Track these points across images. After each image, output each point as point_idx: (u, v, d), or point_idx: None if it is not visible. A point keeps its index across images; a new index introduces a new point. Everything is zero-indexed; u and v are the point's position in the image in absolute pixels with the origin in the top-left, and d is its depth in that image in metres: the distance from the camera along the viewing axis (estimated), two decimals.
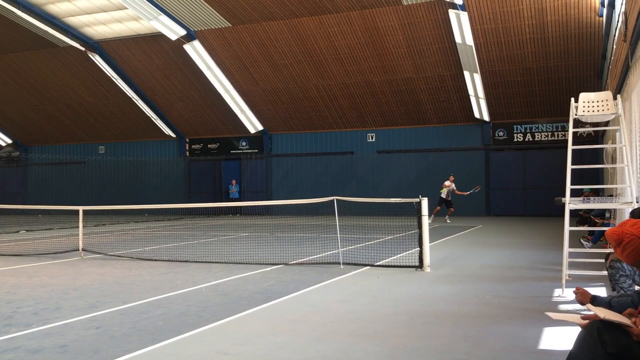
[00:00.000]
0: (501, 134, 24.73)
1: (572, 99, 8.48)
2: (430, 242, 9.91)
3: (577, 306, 6.30)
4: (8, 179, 34.44)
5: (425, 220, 9.60)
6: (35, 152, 33.46)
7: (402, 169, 26.20)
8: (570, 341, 3.50)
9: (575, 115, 8.33)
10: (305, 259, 10.93)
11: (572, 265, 8.38)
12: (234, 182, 28.74)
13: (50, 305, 7.07)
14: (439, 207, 21.32)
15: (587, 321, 3.35)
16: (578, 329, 3.43)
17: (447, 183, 21.65)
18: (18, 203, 30.19)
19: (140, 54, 25.92)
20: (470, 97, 23.67)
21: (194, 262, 10.92)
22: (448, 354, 4.92)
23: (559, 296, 7.39)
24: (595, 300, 4.02)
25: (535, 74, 22.30)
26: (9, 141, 33.92)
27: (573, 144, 8.27)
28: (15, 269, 10.39)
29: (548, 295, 7.50)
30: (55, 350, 5.08)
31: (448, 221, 21.07)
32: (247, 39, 23.60)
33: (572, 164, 8.13)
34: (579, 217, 14.07)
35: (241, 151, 29.34)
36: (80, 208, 12.75)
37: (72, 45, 25.48)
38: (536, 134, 24.25)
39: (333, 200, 10.73)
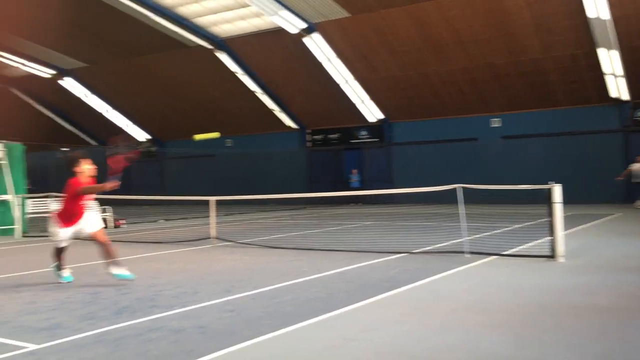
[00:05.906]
0: None
1: None
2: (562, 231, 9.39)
3: None
4: (148, 173, 37.24)
5: (558, 208, 9.07)
6: (170, 147, 35.86)
7: (529, 155, 24.94)
8: None
9: None
10: (429, 248, 10.80)
11: None
12: (354, 171, 28.97)
13: (189, 289, 7.57)
14: None
15: None
16: None
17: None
18: (157, 194, 32.50)
19: (263, 49, 26.83)
20: (606, 76, 22.01)
21: (318, 250, 11.18)
22: (583, 347, 4.66)
23: None
24: None
25: None
26: (148, 137, 36.66)
27: None
28: (156, 255, 11.23)
29: None
30: (195, 331, 5.45)
31: None
32: (366, 28, 23.60)
33: None
34: None
35: (361, 140, 29.48)
36: (212, 198, 13.46)
37: (200, 45, 26.95)
38: None
39: (458, 188, 10.49)
